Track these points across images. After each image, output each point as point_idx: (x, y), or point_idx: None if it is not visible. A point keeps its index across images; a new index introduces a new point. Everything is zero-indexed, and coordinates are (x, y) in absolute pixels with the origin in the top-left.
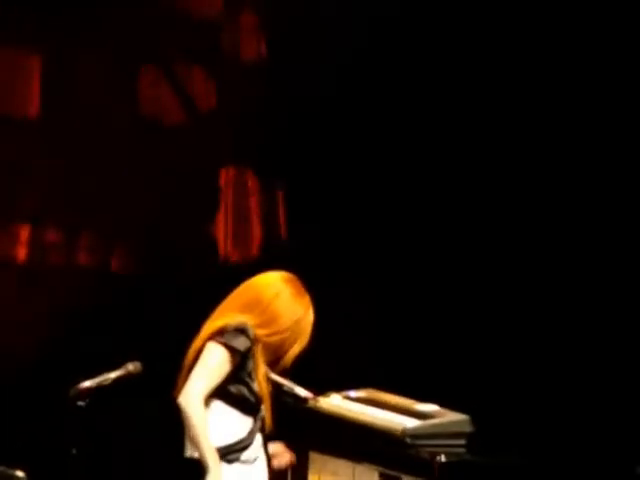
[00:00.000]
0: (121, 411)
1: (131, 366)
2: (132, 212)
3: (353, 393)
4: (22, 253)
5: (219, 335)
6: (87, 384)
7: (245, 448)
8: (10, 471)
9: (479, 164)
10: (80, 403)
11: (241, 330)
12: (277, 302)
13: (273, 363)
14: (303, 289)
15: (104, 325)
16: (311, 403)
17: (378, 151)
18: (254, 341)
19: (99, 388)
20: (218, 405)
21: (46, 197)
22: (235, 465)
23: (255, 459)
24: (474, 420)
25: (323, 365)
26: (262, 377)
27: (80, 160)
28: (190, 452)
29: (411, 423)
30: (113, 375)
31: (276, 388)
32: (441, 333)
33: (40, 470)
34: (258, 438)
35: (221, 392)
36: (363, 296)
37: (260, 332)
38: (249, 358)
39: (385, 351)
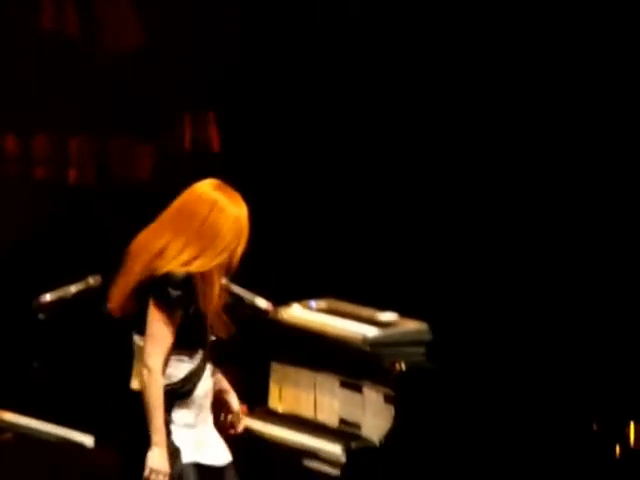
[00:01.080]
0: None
1: (91, 280)
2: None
3: (313, 303)
4: None
5: (160, 290)
6: (48, 297)
7: (195, 385)
8: None
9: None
10: (41, 316)
11: (182, 284)
12: (214, 215)
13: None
14: (232, 190)
15: (64, 238)
16: (272, 314)
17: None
18: (196, 286)
19: (60, 301)
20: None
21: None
22: (188, 400)
23: (205, 394)
24: (433, 328)
25: (282, 276)
26: (215, 303)
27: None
28: (135, 384)
29: (371, 332)
30: (74, 288)
31: (236, 300)
32: (397, 240)
33: (1, 383)
34: (208, 368)
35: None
36: (319, 204)
37: (207, 257)
38: (190, 299)
39: (343, 260)
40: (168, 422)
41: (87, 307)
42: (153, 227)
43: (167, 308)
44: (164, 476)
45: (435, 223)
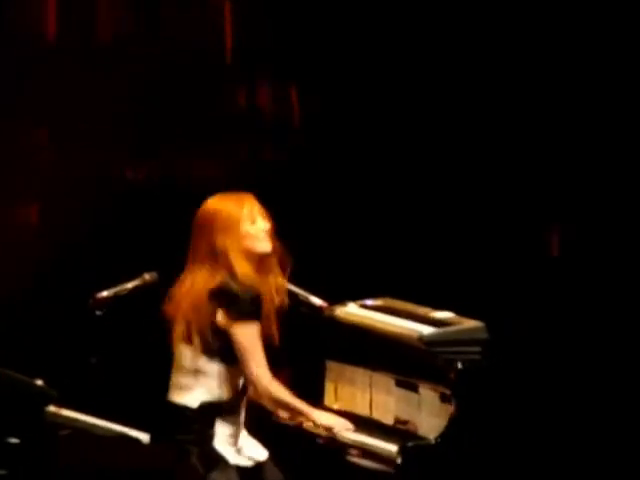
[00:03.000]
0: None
1: (147, 276)
2: None
3: (369, 302)
4: None
5: (232, 308)
6: (105, 293)
7: (238, 401)
8: (30, 380)
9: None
10: (98, 312)
11: (247, 298)
12: (212, 214)
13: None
14: (235, 196)
15: (122, 234)
16: (327, 312)
17: None
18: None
19: (117, 297)
20: (214, 365)
21: None
22: (226, 419)
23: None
24: (489, 327)
25: (337, 276)
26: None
27: None
28: (172, 396)
29: (428, 330)
30: (130, 285)
31: (291, 298)
32: (453, 238)
33: (59, 379)
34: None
35: (212, 352)
36: (378, 199)
37: (236, 261)
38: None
39: (399, 259)
40: (212, 435)
41: (143, 303)
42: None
43: (250, 321)
44: (344, 425)
45: (489, 220)
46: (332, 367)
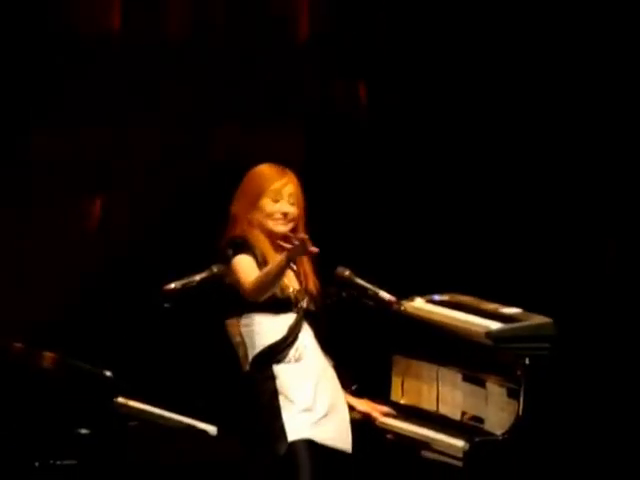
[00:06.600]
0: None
1: (215, 268)
2: None
3: (437, 297)
4: None
5: (228, 250)
6: (173, 285)
7: (286, 348)
8: (99, 371)
9: None
10: (166, 304)
11: (234, 244)
12: (246, 179)
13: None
14: (277, 170)
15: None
16: (395, 306)
17: None
18: (250, 246)
19: (185, 289)
20: (251, 316)
21: None
22: (281, 366)
23: (298, 359)
24: (557, 323)
25: (407, 271)
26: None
27: None
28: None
29: (495, 325)
30: (198, 277)
31: (360, 292)
32: (524, 238)
33: (128, 371)
34: (303, 336)
35: (249, 304)
36: (449, 197)
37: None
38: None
39: (469, 256)
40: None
41: (211, 295)
42: None
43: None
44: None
45: (563, 222)
46: (399, 361)
